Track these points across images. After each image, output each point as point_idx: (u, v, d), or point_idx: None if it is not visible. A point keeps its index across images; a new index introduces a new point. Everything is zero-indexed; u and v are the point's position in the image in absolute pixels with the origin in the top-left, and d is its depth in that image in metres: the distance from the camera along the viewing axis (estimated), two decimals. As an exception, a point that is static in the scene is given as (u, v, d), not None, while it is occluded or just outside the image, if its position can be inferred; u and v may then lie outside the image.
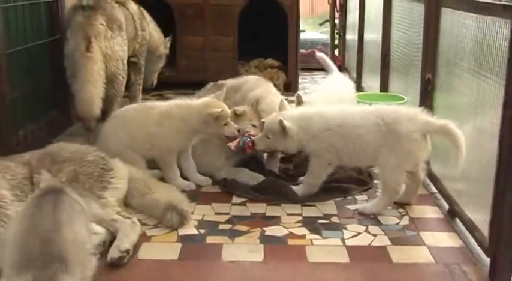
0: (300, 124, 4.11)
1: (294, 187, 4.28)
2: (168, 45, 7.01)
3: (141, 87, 6.61)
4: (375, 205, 4.09)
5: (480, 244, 3.46)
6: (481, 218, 3.46)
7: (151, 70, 6.88)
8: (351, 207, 4.17)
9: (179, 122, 4.37)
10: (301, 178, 4.42)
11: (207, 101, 4.46)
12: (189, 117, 4.35)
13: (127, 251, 3.36)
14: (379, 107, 4.23)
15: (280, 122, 4.04)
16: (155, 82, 7.13)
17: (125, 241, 3.41)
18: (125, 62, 5.39)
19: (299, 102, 4.75)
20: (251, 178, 4.50)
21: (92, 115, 4.81)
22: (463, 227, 3.77)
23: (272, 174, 4.59)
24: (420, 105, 4.48)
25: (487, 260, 3.27)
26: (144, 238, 3.64)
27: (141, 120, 4.51)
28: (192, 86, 7.49)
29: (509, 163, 2.99)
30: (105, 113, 4.96)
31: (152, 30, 6.57)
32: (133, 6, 6.10)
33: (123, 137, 4.47)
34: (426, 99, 4.52)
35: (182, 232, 3.73)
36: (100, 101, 4.80)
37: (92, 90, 4.78)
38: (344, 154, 4.09)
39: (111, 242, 3.46)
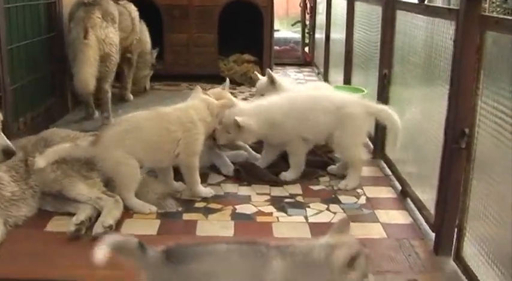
0: (258, 117, 4.06)
1: (284, 173, 4.22)
2: (155, 56, 7.13)
3: (131, 80, 6.78)
4: (351, 180, 4.14)
5: (427, 221, 3.45)
6: (429, 198, 3.47)
7: (142, 75, 7.04)
8: (315, 187, 4.14)
9: (200, 123, 3.84)
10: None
11: (217, 92, 4.29)
12: (206, 116, 3.89)
13: (110, 227, 3.31)
14: (327, 93, 4.52)
15: (235, 121, 3.97)
16: (148, 86, 7.22)
17: (108, 218, 3.37)
18: (117, 47, 5.62)
19: (271, 79, 4.77)
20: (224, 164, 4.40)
21: (87, 91, 5.15)
22: (413, 206, 3.76)
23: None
24: (378, 97, 4.48)
25: (433, 235, 3.26)
26: (126, 214, 3.58)
27: (160, 128, 3.73)
28: (178, 78, 7.48)
29: (453, 149, 2.96)
30: (98, 87, 5.36)
31: (145, 36, 6.83)
32: (132, 6, 6.46)
33: (132, 146, 3.63)
34: (383, 92, 4.50)
35: (161, 209, 3.68)
36: (94, 80, 5.09)
37: (88, 71, 5.02)
38: (306, 132, 4.13)
39: (97, 218, 3.42)
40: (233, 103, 4.18)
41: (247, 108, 4.20)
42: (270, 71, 4.91)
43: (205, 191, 3.92)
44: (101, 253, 2.33)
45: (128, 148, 3.61)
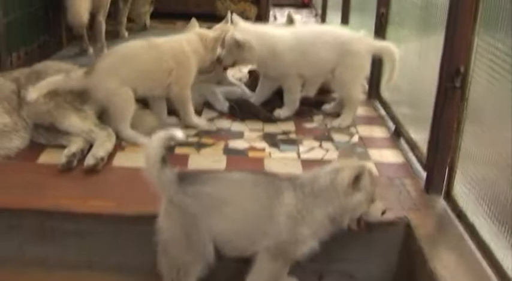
0: (260, 41, 3.95)
1: (278, 111, 4.18)
2: None
3: (125, 16, 6.76)
4: (345, 118, 4.12)
5: (419, 160, 3.44)
6: (421, 138, 3.44)
7: (142, 11, 6.99)
8: (308, 125, 4.11)
9: (193, 56, 3.82)
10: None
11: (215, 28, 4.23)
12: (200, 48, 3.86)
13: (102, 159, 3.29)
14: (329, 28, 4.42)
15: (234, 39, 3.88)
16: (148, 23, 7.16)
17: (100, 150, 3.34)
18: None
19: (291, 20, 4.72)
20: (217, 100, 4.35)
21: (81, 24, 5.14)
22: (405, 146, 3.74)
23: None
24: (374, 36, 4.37)
25: (424, 174, 3.24)
26: (118, 147, 3.55)
27: (153, 57, 3.71)
28: (174, 17, 7.38)
29: (447, 87, 2.91)
30: (92, 21, 5.43)
31: None
32: None
33: (126, 76, 3.60)
34: (380, 32, 4.42)
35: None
36: (88, 12, 5.07)
37: (81, 4, 4.99)
38: (305, 68, 4.05)
39: (89, 151, 3.39)
40: (228, 30, 4.08)
41: (251, 29, 4.06)
42: (291, 12, 4.86)
43: (200, 121, 3.95)
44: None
45: (121, 77, 3.57)
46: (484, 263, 2.50)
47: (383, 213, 2.56)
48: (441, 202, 3.04)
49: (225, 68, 4.43)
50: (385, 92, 4.41)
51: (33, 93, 3.41)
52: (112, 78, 3.56)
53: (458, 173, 2.94)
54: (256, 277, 2.53)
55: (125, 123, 3.62)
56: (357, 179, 2.40)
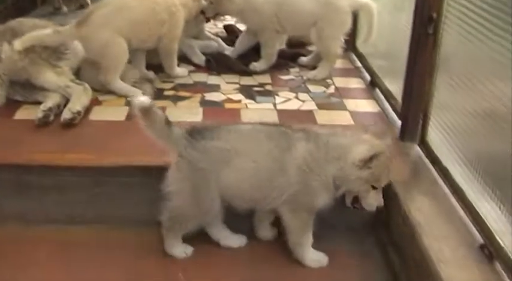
0: None
1: (254, 64, 4.17)
2: None
3: None
4: (321, 70, 4.12)
5: (394, 109, 3.46)
6: (397, 88, 3.44)
7: None
8: (284, 77, 4.11)
9: (182, 9, 3.85)
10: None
11: None
12: (188, 1, 3.93)
13: (78, 113, 3.26)
14: None
15: None
16: None
17: (77, 104, 3.31)
18: None
19: None
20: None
21: None
22: (381, 96, 3.75)
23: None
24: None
25: (399, 123, 3.25)
26: (95, 102, 3.53)
27: (147, 8, 3.70)
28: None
29: (421, 35, 2.92)
30: None
31: None
32: None
33: (121, 26, 3.58)
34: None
35: (130, 97, 3.58)
36: None
37: None
38: (286, 22, 4.03)
39: (65, 106, 3.35)
40: None
41: None
42: None
43: (182, 71, 4.02)
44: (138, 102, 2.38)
45: (116, 28, 3.56)
46: (457, 206, 2.53)
47: (378, 207, 2.53)
48: (416, 149, 3.06)
49: (207, 20, 4.41)
50: (361, 45, 4.40)
51: (18, 43, 3.37)
52: (106, 29, 3.54)
53: (433, 120, 2.95)
54: (289, 232, 2.58)
55: (116, 75, 3.62)
56: (371, 158, 2.38)
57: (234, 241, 2.72)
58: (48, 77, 3.44)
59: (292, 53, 4.43)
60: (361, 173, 2.41)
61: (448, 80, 2.81)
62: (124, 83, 3.64)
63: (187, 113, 3.44)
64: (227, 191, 2.49)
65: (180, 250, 2.65)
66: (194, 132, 2.48)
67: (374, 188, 2.47)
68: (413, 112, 3.10)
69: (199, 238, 2.66)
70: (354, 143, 2.45)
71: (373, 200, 2.51)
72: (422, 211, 2.53)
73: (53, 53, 3.54)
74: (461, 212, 2.49)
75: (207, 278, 2.56)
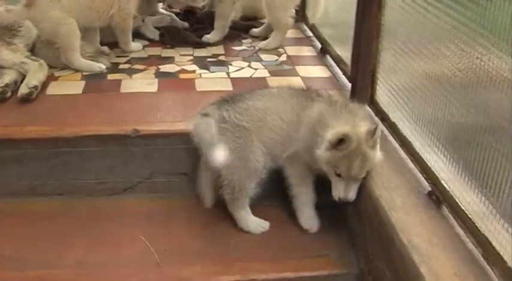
0: None
1: (207, 36, 4.19)
2: None
3: None
4: (272, 40, 4.14)
5: (344, 74, 3.51)
6: (347, 54, 3.45)
7: None
8: (237, 48, 4.14)
9: None
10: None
11: None
12: None
13: (35, 87, 3.24)
14: None
15: None
16: None
17: (33, 79, 3.29)
18: None
19: None
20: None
21: None
22: (332, 62, 3.80)
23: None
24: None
25: (349, 85, 3.30)
26: (51, 78, 3.51)
27: None
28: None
29: (366, 3, 2.97)
30: None
31: None
32: None
33: (69, 7, 3.51)
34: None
35: (85, 72, 3.61)
36: None
37: None
38: None
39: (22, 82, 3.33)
40: None
41: None
42: None
43: (136, 46, 4.00)
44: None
45: (64, 8, 3.50)
46: (407, 158, 2.60)
47: (340, 199, 2.45)
48: (366, 109, 3.12)
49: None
50: (312, 17, 4.42)
51: None
52: (54, 8, 3.49)
53: (381, 80, 3.00)
54: (289, 179, 2.66)
55: (76, 53, 3.59)
56: (338, 141, 2.34)
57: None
58: (4, 54, 3.41)
59: (245, 25, 4.46)
60: (323, 152, 2.40)
61: (393, 43, 2.86)
62: (86, 61, 3.62)
63: (143, 84, 3.44)
64: (264, 148, 2.58)
65: (256, 224, 2.69)
66: (231, 98, 2.62)
67: (338, 175, 2.42)
68: (361, 74, 3.14)
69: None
70: (343, 121, 2.44)
71: (334, 188, 2.44)
72: (373, 166, 2.60)
73: (7, 31, 3.51)
74: (411, 164, 2.56)
75: (166, 236, 2.63)
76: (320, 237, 2.65)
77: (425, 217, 2.24)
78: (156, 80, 3.51)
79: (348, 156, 2.35)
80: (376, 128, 2.35)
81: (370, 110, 3.05)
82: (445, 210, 2.25)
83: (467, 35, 2.08)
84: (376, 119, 2.63)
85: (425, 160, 2.45)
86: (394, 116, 2.81)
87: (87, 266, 2.45)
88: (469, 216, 2.07)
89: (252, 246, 2.60)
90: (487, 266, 1.94)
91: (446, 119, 2.29)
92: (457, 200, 2.17)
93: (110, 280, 2.41)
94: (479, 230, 2.00)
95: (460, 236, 2.11)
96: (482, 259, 1.98)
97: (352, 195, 2.43)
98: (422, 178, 2.45)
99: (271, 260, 2.52)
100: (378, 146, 2.41)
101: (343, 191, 2.42)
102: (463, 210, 2.12)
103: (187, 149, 2.85)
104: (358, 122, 2.42)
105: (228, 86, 3.42)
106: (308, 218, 2.69)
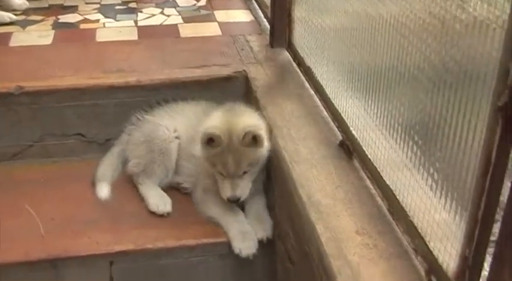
0: None
1: None
2: None
3: None
4: None
5: (266, 17, 3.35)
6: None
7: None
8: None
9: None
10: None
11: None
12: None
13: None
14: None
15: None
16: None
17: None
18: None
19: None
20: None
21: None
22: (256, 5, 3.60)
23: None
24: None
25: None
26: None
27: None
28: None
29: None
30: None
31: None
32: None
33: None
34: None
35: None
36: None
37: None
38: None
39: None
40: None
41: None
42: None
43: (18, 3, 3.63)
44: None
45: None
46: (322, 106, 2.46)
47: (229, 199, 2.29)
48: (285, 54, 2.97)
49: None
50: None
51: None
52: None
53: (297, 23, 2.86)
54: None
55: None
56: (211, 140, 2.22)
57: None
58: None
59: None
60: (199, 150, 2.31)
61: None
62: None
63: (36, 36, 3.22)
64: None
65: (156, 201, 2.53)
66: None
67: (221, 173, 2.28)
68: (279, 17, 3.00)
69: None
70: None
71: (221, 188, 2.31)
72: (283, 114, 2.45)
73: None
74: (325, 112, 2.42)
75: (55, 204, 2.48)
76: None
77: (333, 169, 2.10)
78: (53, 31, 3.29)
79: (221, 154, 2.23)
80: (247, 133, 2.20)
81: (288, 55, 2.90)
82: (356, 161, 2.10)
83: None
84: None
85: (336, 107, 2.30)
86: (309, 60, 2.66)
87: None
88: (376, 166, 1.93)
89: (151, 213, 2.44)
90: (393, 222, 1.80)
91: (359, 64, 2.14)
92: (366, 149, 2.02)
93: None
94: (385, 182, 1.86)
95: (369, 189, 1.98)
96: (388, 214, 1.84)
97: (240, 192, 2.27)
98: (335, 127, 2.30)
99: (171, 227, 2.37)
100: (264, 143, 2.26)
101: (229, 190, 2.27)
102: (370, 160, 1.97)
103: (80, 107, 2.68)
104: (235, 119, 2.28)
105: (133, 36, 3.23)
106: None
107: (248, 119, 2.29)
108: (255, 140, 2.22)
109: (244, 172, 2.26)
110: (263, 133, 2.25)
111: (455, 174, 1.42)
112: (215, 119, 2.30)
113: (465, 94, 1.35)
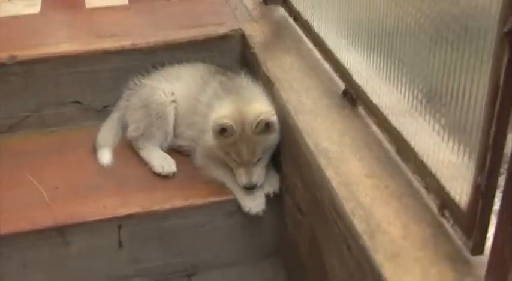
0: None
1: None
2: None
3: None
4: None
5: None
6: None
7: None
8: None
9: None
10: None
11: None
12: None
13: None
14: None
15: None
16: None
17: None
18: None
19: None
20: None
21: None
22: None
23: None
24: None
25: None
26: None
27: None
28: None
29: None
30: None
31: None
32: None
33: None
34: None
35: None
36: None
37: None
38: None
39: None
40: None
41: None
42: None
43: None
44: None
45: None
46: (321, 59, 2.46)
47: (246, 187, 2.30)
48: (280, 11, 2.96)
49: None
50: None
51: None
52: None
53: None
54: None
55: None
56: (223, 130, 2.22)
57: None
58: None
59: None
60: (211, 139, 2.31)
61: None
62: None
63: (22, 6, 3.19)
64: None
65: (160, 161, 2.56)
66: None
67: (235, 161, 2.29)
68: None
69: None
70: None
71: (237, 175, 2.31)
72: (283, 68, 2.46)
73: None
74: (326, 65, 2.42)
75: (57, 173, 2.49)
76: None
77: (338, 117, 2.11)
78: (40, 0, 3.26)
79: (234, 143, 2.24)
80: (260, 121, 2.21)
81: (283, 11, 2.90)
82: (360, 109, 2.11)
83: None
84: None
85: (338, 58, 2.30)
86: (307, 14, 2.65)
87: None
88: (382, 112, 1.94)
89: (156, 175, 2.45)
90: (403, 164, 1.82)
91: (358, 16, 2.13)
92: (370, 97, 2.03)
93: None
94: (392, 125, 1.87)
95: (375, 135, 1.99)
96: (397, 156, 1.86)
97: (256, 178, 2.29)
98: (337, 78, 2.30)
99: (176, 188, 2.38)
100: (275, 129, 2.27)
101: (244, 176, 2.28)
102: (376, 106, 1.98)
103: (75, 74, 2.68)
104: (246, 107, 2.28)
105: (123, 0, 3.21)
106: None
107: (259, 106, 2.29)
108: (267, 126, 2.23)
109: (259, 159, 2.28)
110: (275, 119, 2.25)
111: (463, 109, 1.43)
112: (225, 108, 2.30)
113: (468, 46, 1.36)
